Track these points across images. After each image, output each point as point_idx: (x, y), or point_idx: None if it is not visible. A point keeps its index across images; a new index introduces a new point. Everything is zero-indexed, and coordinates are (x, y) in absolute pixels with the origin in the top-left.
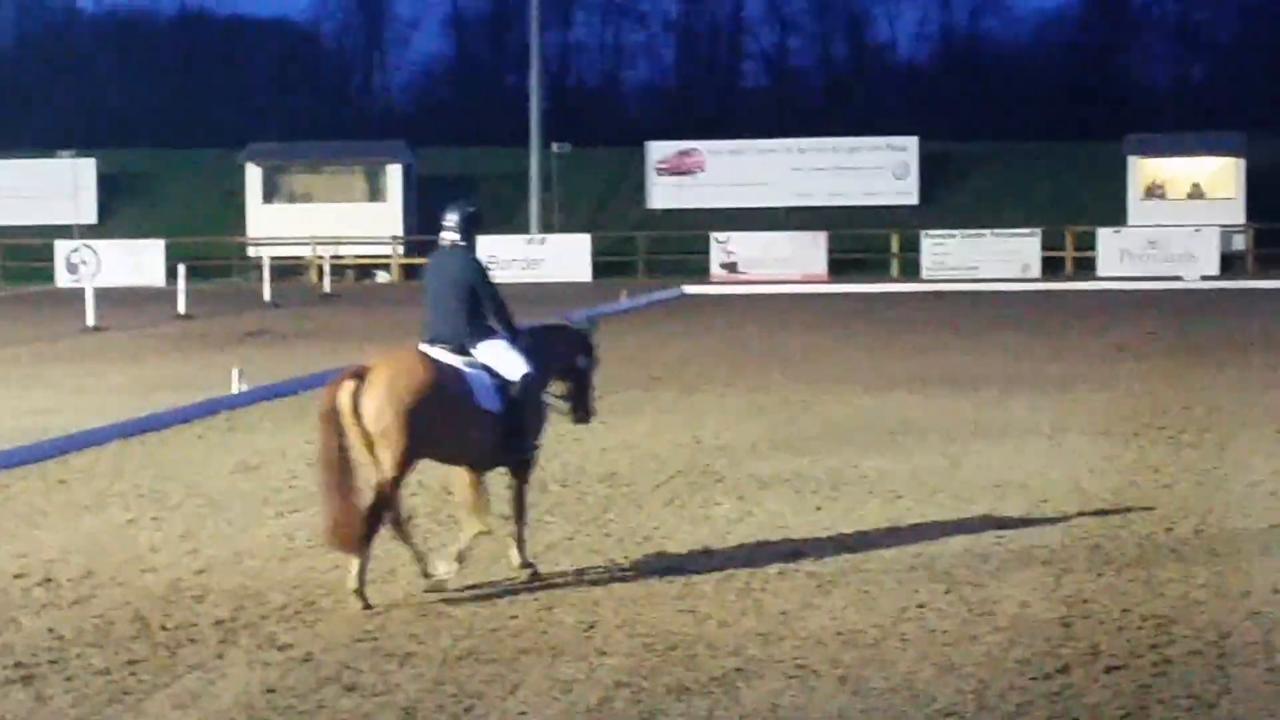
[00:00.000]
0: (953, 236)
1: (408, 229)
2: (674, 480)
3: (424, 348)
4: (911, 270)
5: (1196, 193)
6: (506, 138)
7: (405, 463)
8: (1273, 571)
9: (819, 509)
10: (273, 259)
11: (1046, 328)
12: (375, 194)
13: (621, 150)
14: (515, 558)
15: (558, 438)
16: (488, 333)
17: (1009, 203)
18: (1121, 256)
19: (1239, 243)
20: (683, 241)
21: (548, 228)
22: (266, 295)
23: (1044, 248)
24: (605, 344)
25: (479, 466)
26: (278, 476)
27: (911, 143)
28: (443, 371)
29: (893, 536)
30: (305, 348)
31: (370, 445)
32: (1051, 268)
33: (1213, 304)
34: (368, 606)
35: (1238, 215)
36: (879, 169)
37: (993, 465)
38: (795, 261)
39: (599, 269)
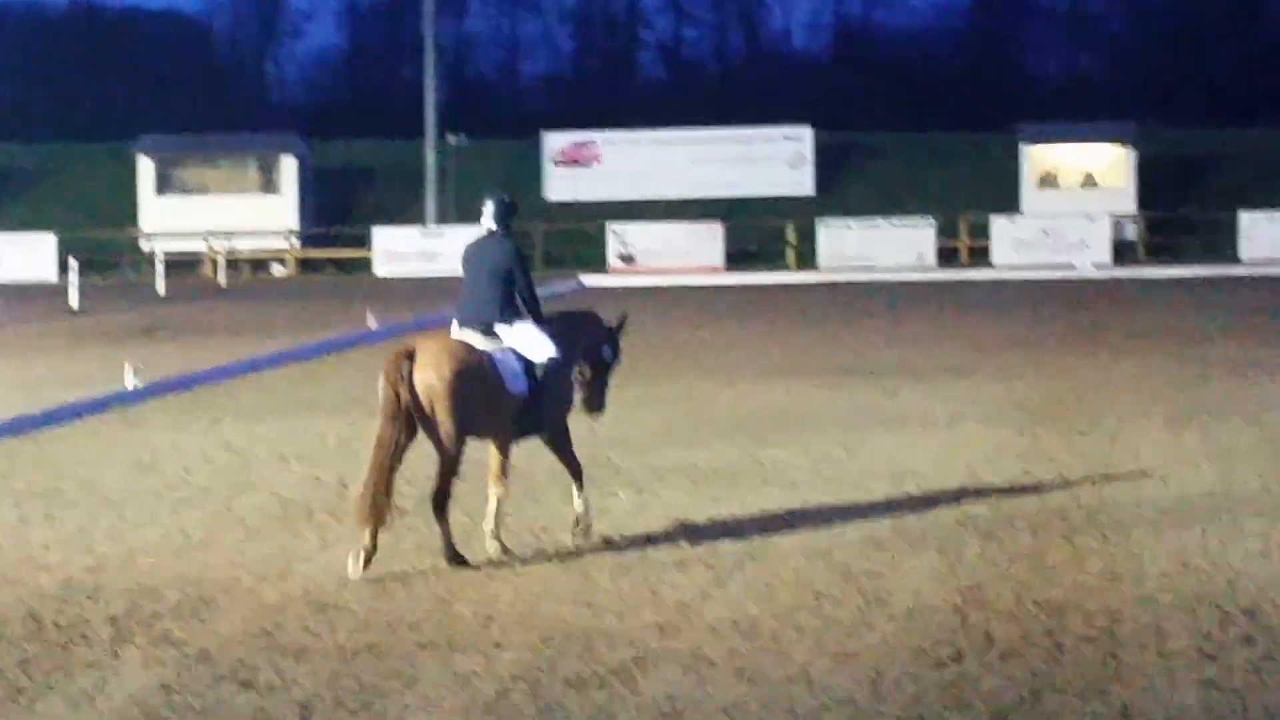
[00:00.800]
0: (848, 226)
1: (303, 222)
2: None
3: (456, 331)
4: (808, 260)
5: (1089, 181)
6: (403, 129)
7: (461, 437)
8: (1164, 557)
9: (716, 500)
10: (166, 253)
11: (942, 317)
12: (270, 186)
13: (518, 142)
14: (488, 524)
15: None
16: (515, 316)
17: (904, 192)
18: (1016, 245)
19: (1130, 231)
20: (580, 233)
21: (444, 219)
22: (160, 290)
23: (939, 237)
24: None
25: (504, 443)
26: (172, 473)
27: (806, 133)
28: (476, 356)
29: (790, 526)
30: (200, 343)
31: (422, 421)
32: (947, 257)
33: (1105, 292)
34: (465, 564)
35: (1129, 204)
36: (775, 159)
37: (889, 454)
38: (692, 253)
39: None
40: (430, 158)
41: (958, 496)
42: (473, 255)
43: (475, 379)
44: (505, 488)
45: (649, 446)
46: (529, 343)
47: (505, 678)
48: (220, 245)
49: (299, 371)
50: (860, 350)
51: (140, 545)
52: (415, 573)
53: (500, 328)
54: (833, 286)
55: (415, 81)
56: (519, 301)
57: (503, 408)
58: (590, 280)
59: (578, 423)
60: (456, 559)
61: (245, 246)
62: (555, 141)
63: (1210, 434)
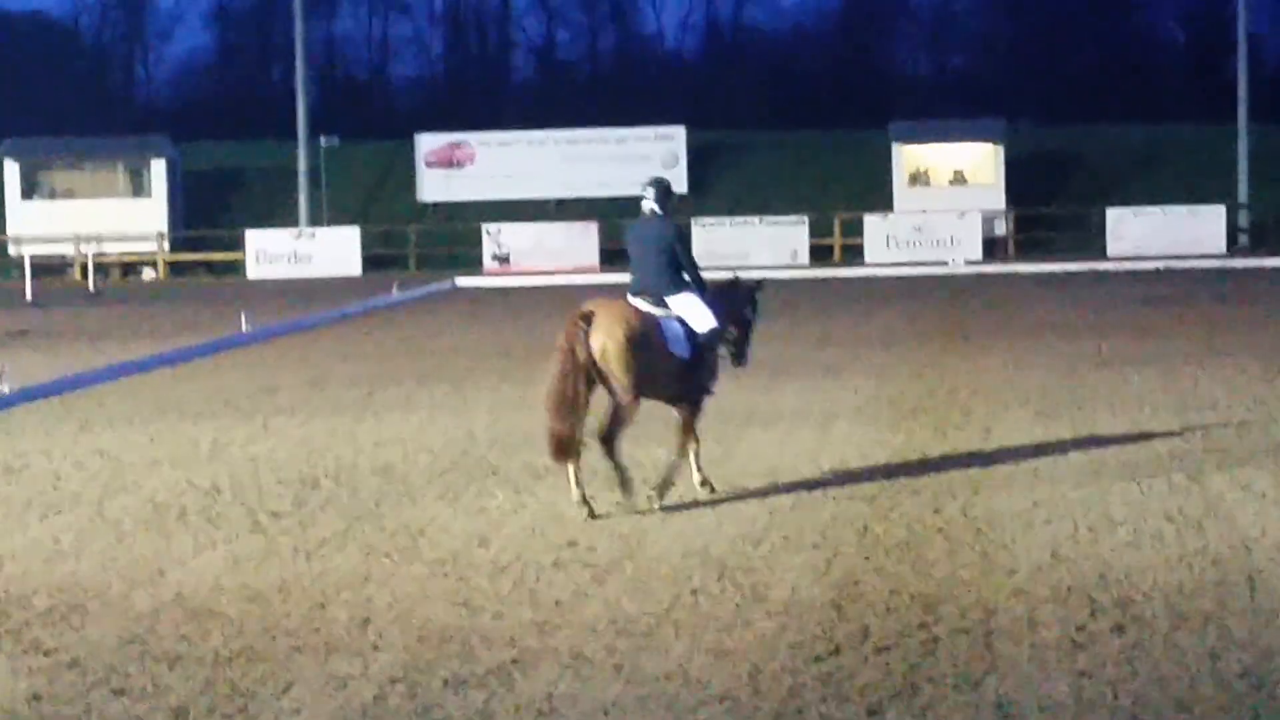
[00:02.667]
0: (722, 224)
1: (173, 225)
2: (448, 473)
3: (630, 299)
4: None
5: (959, 179)
6: (274, 131)
7: (637, 388)
8: (1036, 550)
9: (593, 499)
10: (34, 257)
11: (816, 314)
12: (139, 190)
13: (391, 143)
14: (695, 476)
15: (330, 433)
16: (682, 287)
17: (778, 191)
18: (888, 242)
19: (1000, 228)
20: (454, 234)
21: (317, 221)
22: (28, 295)
23: (812, 235)
24: (379, 336)
25: (664, 400)
26: (42, 479)
27: (679, 132)
28: (649, 319)
29: (667, 524)
30: (70, 348)
31: (599, 376)
32: (820, 254)
33: (976, 288)
34: (593, 515)
35: (998, 201)
36: (648, 159)
37: (764, 452)
38: (567, 252)
39: (370, 262)
40: (302, 160)
41: (833, 493)
42: (639, 234)
43: (643, 340)
44: (696, 440)
45: (526, 446)
46: (693, 313)
47: (383, 680)
48: (89, 249)
49: (171, 375)
50: None
51: (9, 552)
52: (291, 577)
53: (669, 298)
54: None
55: (286, 83)
56: (685, 274)
57: (666, 368)
58: (465, 281)
59: (455, 423)
60: (584, 503)
61: (115, 250)
62: (428, 143)
63: (1080, 427)
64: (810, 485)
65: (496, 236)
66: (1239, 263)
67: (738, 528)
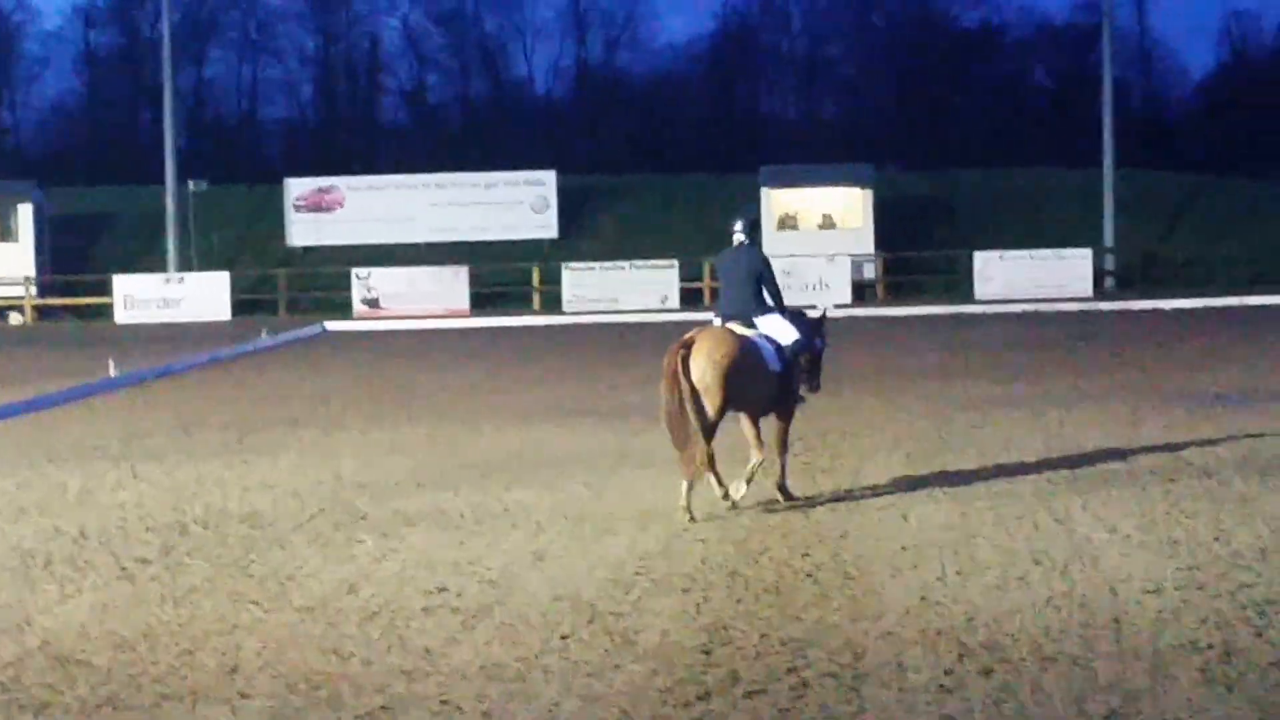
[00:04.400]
0: (592, 269)
1: (40, 269)
2: (316, 519)
3: (724, 324)
4: (553, 303)
5: (828, 223)
6: (143, 175)
7: (721, 410)
8: (904, 593)
9: (463, 544)
10: None
11: None
12: (5, 234)
13: (261, 187)
14: (782, 487)
15: (198, 479)
16: (766, 309)
17: (648, 235)
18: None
19: (869, 271)
20: (324, 278)
21: (186, 266)
22: None
23: (683, 279)
24: (248, 381)
25: (760, 413)
26: None
27: (550, 177)
28: (744, 342)
29: (537, 569)
30: None
31: (695, 396)
32: (690, 298)
33: (846, 331)
34: (693, 520)
35: (867, 245)
36: (519, 203)
37: (635, 494)
38: (437, 296)
39: (239, 307)
40: (170, 204)
41: (703, 536)
42: (729, 262)
43: (741, 364)
44: (762, 452)
45: (395, 491)
46: (779, 330)
47: None
48: None
49: (38, 421)
50: (604, 392)
51: None
52: (158, 624)
53: (756, 319)
54: (577, 329)
55: (155, 128)
56: (768, 297)
57: (765, 383)
58: (335, 325)
59: (324, 468)
60: (687, 510)
61: None
62: (297, 187)
63: (949, 470)
64: (680, 528)
65: (366, 280)
66: (1105, 305)
67: (607, 572)
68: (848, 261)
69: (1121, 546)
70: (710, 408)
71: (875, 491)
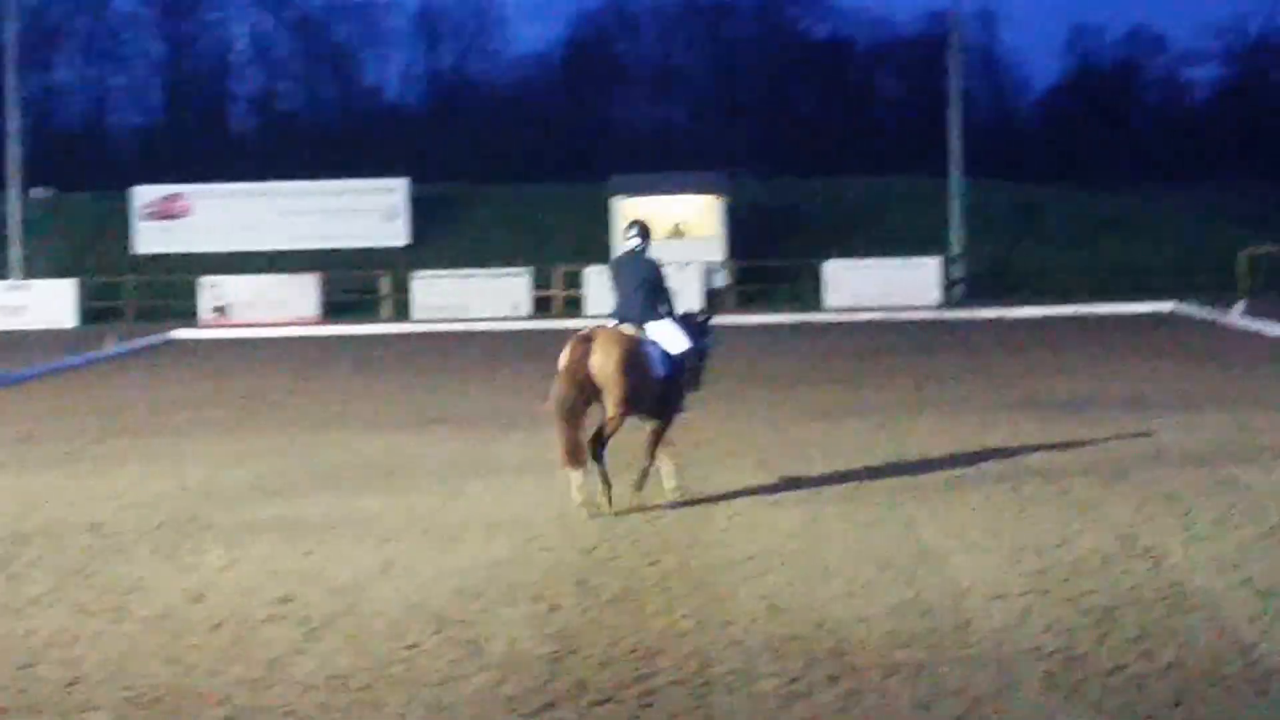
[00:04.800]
0: (443, 277)
1: None
2: (161, 528)
3: (617, 325)
4: (403, 311)
5: (678, 232)
6: None
7: (627, 403)
8: (753, 600)
9: (310, 553)
10: None
11: (536, 366)
12: None
13: (107, 195)
14: (638, 482)
15: (41, 489)
16: (657, 315)
17: (499, 243)
18: (609, 294)
19: (720, 279)
20: (172, 286)
21: (31, 273)
22: None
23: (534, 287)
24: (93, 389)
25: (644, 417)
26: None
27: (401, 184)
28: (637, 343)
29: (385, 578)
30: None
31: (597, 392)
32: (541, 306)
33: None
34: (594, 514)
35: (718, 253)
36: (370, 211)
37: (484, 503)
38: (287, 304)
39: (86, 315)
40: (15, 211)
41: (552, 544)
42: (622, 267)
43: (634, 361)
44: (672, 448)
45: (242, 500)
46: (669, 337)
47: None
48: None
49: None
50: (455, 400)
51: None
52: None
53: (647, 324)
54: (428, 337)
55: None
56: (661, 305)
57: (652, 385)
58: (182, 333)
59: (169, 478)
60: (589, 505)
61: None
62: (144, 195)
63: (798, 477)
64: (529, 537)
65: (215, 288)
66: (953, 314)
67: (456, 581)
68: (698, 270)
69: (968, 553)
70: (616, 399)
71: (724, 499)
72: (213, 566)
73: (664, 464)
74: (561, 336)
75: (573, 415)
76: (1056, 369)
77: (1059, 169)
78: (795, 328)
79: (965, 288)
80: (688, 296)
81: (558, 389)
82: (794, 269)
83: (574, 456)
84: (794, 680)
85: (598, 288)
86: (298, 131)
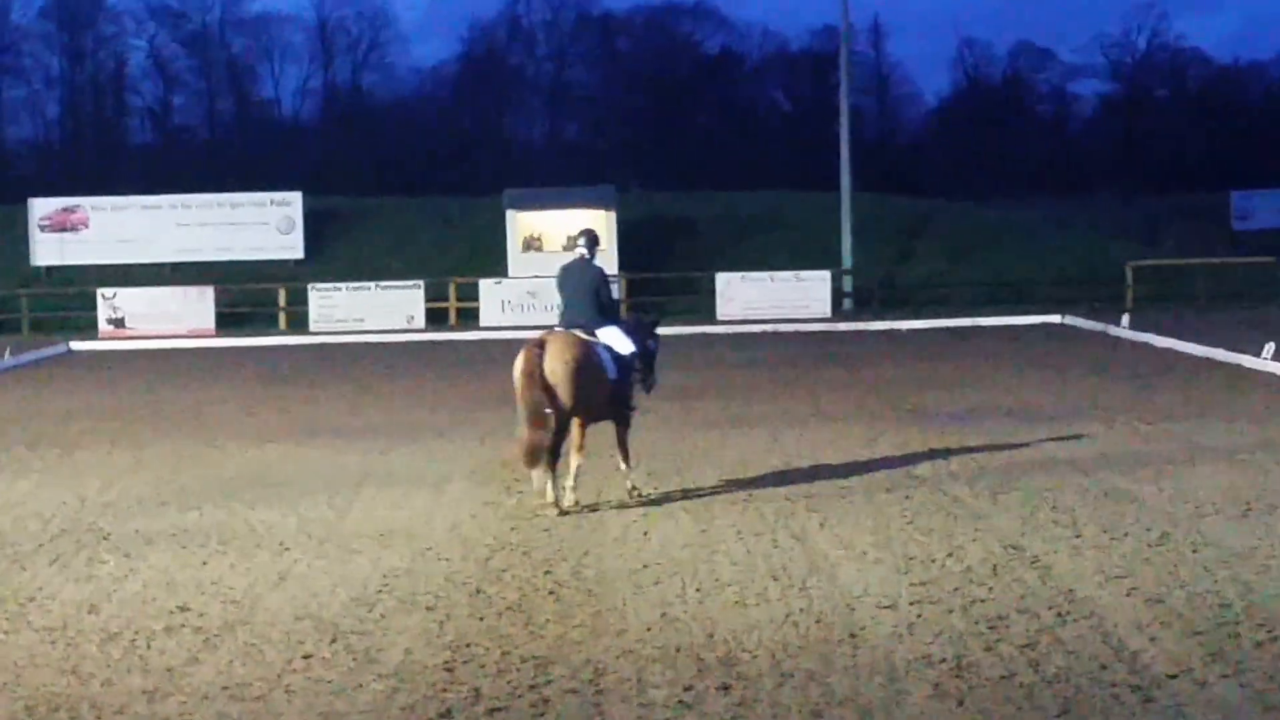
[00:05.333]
0: (339, 289)
1: None
2: (58, 539)
3: (567, 330)
4: (299, 323)
5: (572, 244)
6: None
7: (575, 403)
8: (645, 610)
9: (206, 563)
10: None
11: (431, 377)
12: None
13: (4, 207)
14: (628, 483)
15: None
16: (604, 320)
17: (394, 255)
18: (503, 306)
19: (614, 292)
20: (69, 298)
21: None
22: None
23: (428, 299)
24: None
25: (594, 418)
26: None
27: (296, 197)
28: (589, 346)
29: (280, 589)
30: None
31: (549, 392)
32: (436, 318)
33: None
34: (563, 513)
35: (611, 265)
36: (265, 224)
37: (378, 514)
38: (183, 316)
39: None
40: None
41: (446, 554)
42: (570, 274)
43: (585, 364)
44: (583, 457)
45: (138, 511)
46: (616, 340)
47: None
48: None
49: None
50: (350, 411)
51: None
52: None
53: (596, 329)
54: (323, 348)
55: None
56: (606, 310)
57: (603, 387)
58: (80, 345)
59: (66, 488)
60: (555, 505)
61: None
62: (41, 207)
63: (689, 488)
64: (424, 547)
65: (112, 300)
66: (844, 326)
67: (351, 591)
68: None
69: (858, 563)
70: (565, 400)
71: (617, 510)
72: (110, 577)
73: (571, 464)
74: (455, 348)
75: (539, 418)
76: (945, 380)
77: (948, 182)
78: (687, 339)
79: (855, 300)
80: None
81: (523, 395)
82: (686, 281)
83: (533, 457)
84: (686, 689)
85: (491, 300)
86: (195, 144)
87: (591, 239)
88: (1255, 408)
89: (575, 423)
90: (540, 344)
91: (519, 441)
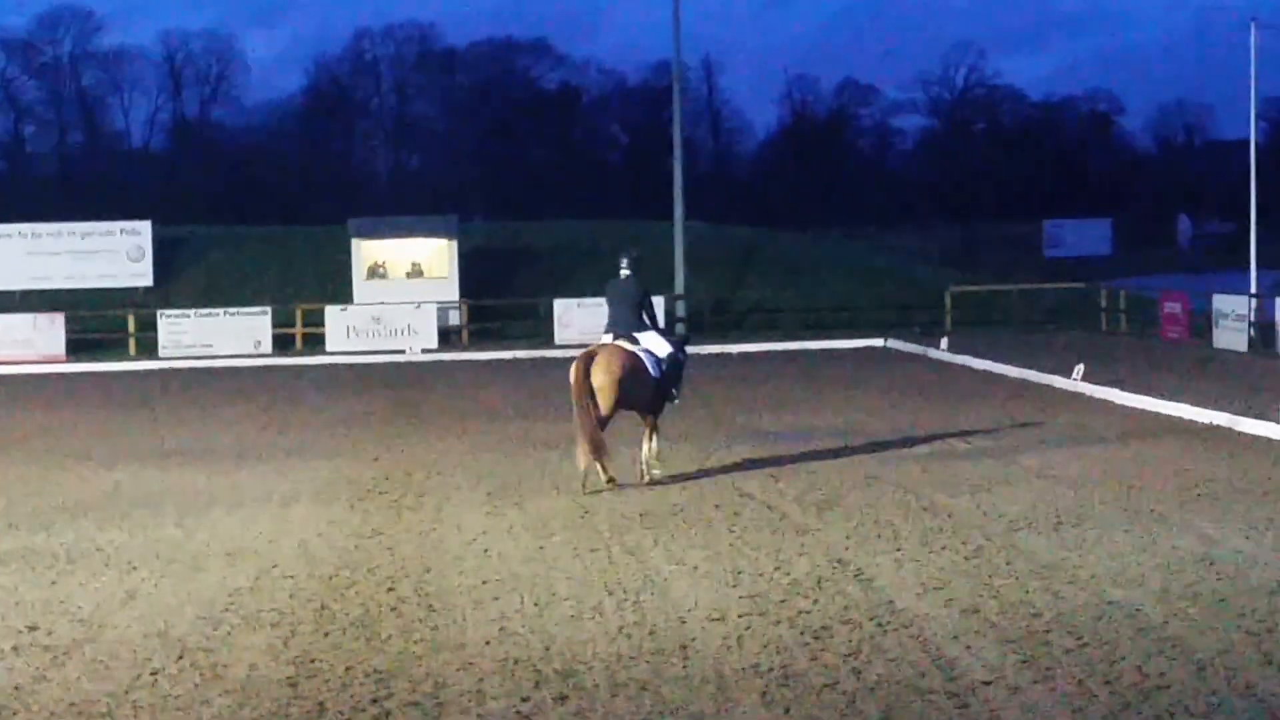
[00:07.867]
0: (188, 316)
1: None
2: None
3: (614, 339)
4: (149, 349)
5: (415, 272)
6: None
7: (614, 407)
8: (485, 624)
9: (54, 583)
10: None
11: (278, 401)
12: None
13: None
14: (655, 463)
15: None
16: (646, 327)
17: (242, 283)
18: (349, 332)
19: (454, 318)
20: None
21: None
22: None
23: (275, 325)
24: None
25: (645, 410)
26: None
27: (145, 227)
28: (633, 356)
29: (128, 608)
30: None
31: (592, 397)
32: (283, 344)
33: (432, 375)
34: (612, 480)
35: (452, 292)
36: (115, 252)
37: (225, 534)
38: (33, 343)
39: None
40: None
41: (292, 572)
42: (616, 289)
43: (632, 372)
44: (655, 433)
45: None
46: (657, 345)
47: None
48: None
49: None
50: (197, 433)
51: None
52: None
53: (638, 335)
54: (172, 374)
55: None
56: (647, 319)
57: (647, 387)
58: None
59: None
60: (612, 482)
61: None
62: None
63: (527, 506)
64: (270, 565)
65: None
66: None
67: (198, 609)
68: (434, 309)
69: (689, 577)
70: (605, 405)
71: (458, 527)
72: None
73: (649, 446)
74: (301, 372)
75: (592, 418)
76: (774, 401)
77: (778, 211)
78: (526, 363)
79: (688, 325)
80: (424, 334)
81: (575, 399)
82: (524, 307)
83: (597, 450)
84: (524, 700)
85: (337, 325)
86: (44, 173)
87: (635, 260)
88: (1066, 426)
89: (638, 415)
90: (590, 355)
91: (580, 441)
